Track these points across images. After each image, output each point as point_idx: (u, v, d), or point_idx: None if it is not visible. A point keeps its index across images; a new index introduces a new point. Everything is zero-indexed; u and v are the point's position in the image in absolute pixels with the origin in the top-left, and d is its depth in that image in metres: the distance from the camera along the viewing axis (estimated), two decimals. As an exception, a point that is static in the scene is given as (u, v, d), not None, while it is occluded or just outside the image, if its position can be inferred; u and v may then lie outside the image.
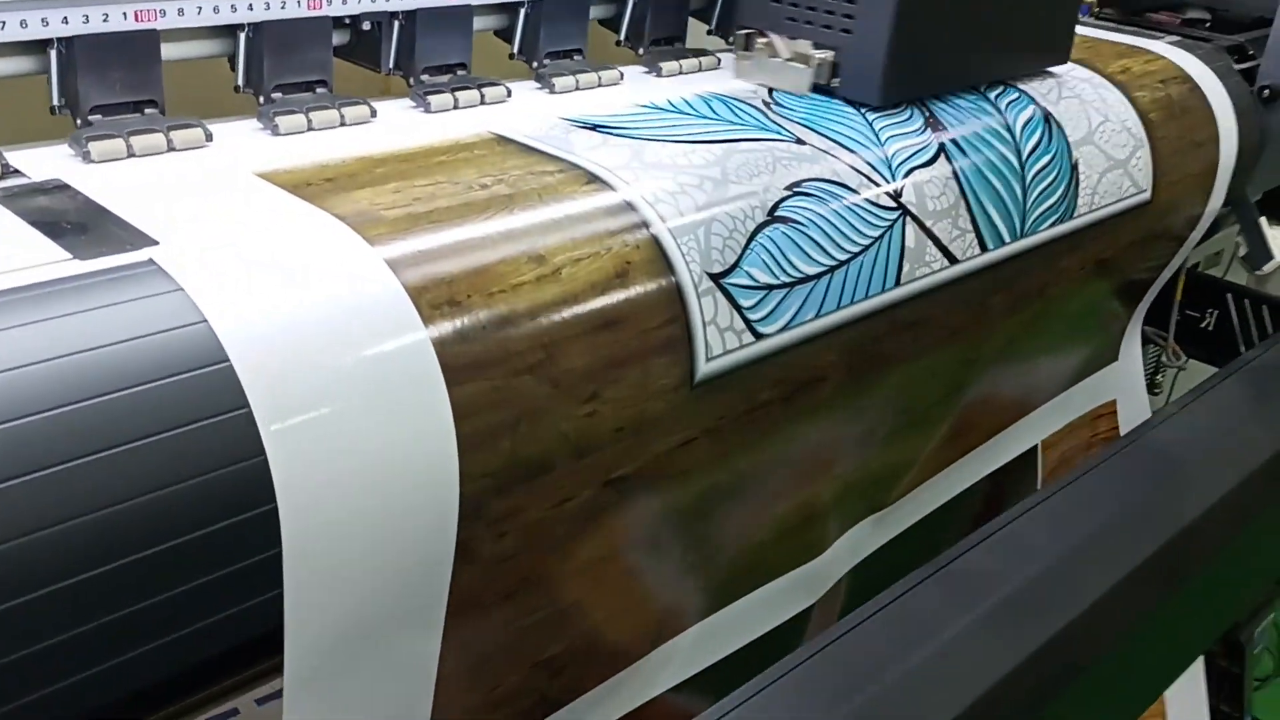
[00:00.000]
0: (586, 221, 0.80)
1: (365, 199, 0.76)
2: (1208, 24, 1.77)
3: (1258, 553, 1.32)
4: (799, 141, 0.98)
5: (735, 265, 0.86)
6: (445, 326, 0.69)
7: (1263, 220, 1.62)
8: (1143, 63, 1.40)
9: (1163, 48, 1.47)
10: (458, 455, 0.69)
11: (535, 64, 1.07)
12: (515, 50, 1.08)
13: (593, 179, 0.85)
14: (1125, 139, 1.27)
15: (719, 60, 1.19)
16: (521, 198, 0.80)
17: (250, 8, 0.85)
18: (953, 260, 1.05)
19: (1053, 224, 1.16)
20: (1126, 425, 1.61)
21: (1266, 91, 1.51)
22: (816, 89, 1.09)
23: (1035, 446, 1.48)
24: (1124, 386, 1.59)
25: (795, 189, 0.93)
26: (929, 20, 1.09)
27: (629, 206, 0.83)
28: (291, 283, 0.66)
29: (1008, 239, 1.11)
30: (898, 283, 0.99)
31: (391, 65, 0.98)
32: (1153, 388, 1.88)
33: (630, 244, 0.81)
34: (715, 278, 0.85)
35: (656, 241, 0.82)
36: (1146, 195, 1.30)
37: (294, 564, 0.63)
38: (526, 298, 0.74)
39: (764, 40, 1.12)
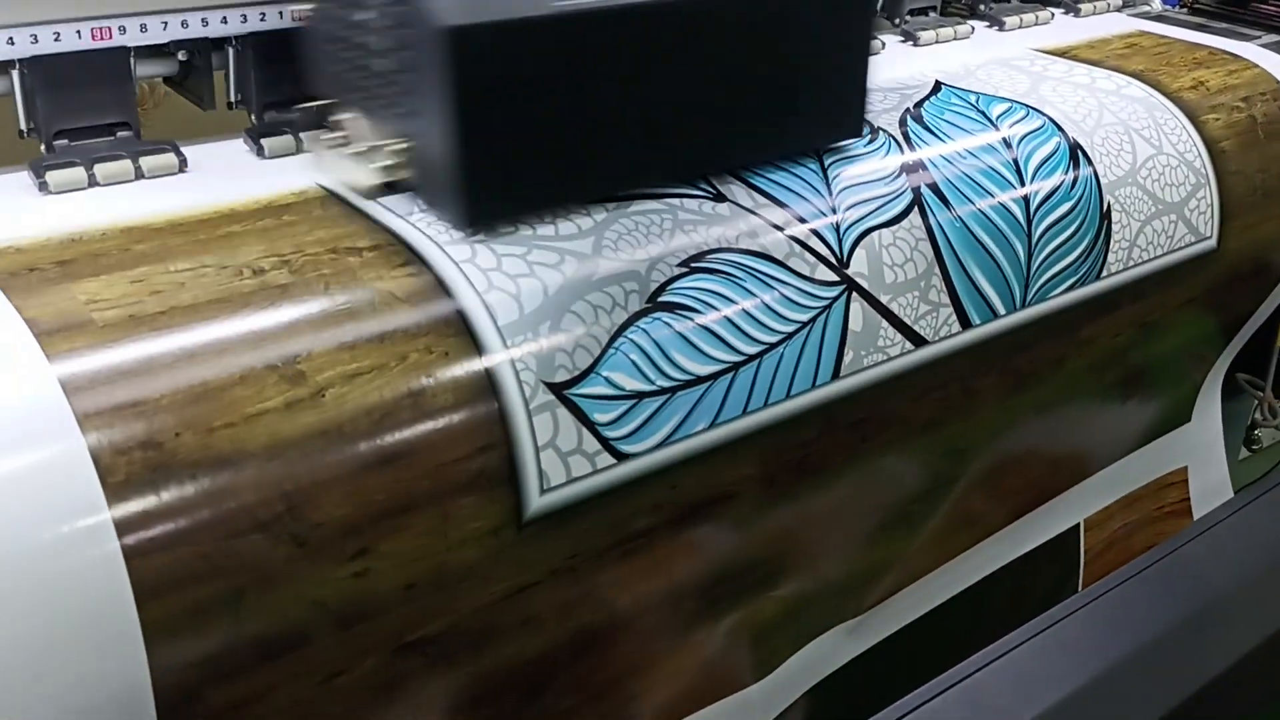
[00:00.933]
0: (379, 321, 0.63)
1: (87, 293, 0.61)
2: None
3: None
4: (718, 197, 0.79)
5: (589, 371, 0.68)
6: (132, 481, 0.54)
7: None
8: (1224, 74, 1.15)
9: (1256, 52, 1.21)
10: (144, 648, 0.54)
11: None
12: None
13: (412, 258, 0.68)
14: (1183, 176, 1.03)
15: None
16: (300, 289, 0.64)
17: (11, 41, 0.70)
18: (919, 342, 0.84)
19: (1069, 288, 0.94)
20: (1199, 496, 1.36)
21: None
22: (389, 189, 0.73)
23: (1077, 525, 1.25)
24: (1197, 452, 1.34)
25: (694, 264, 0.74)
26: (543, 93, 0.69)
27: (449, 301, 0.66)
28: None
29: (1001, 311, 0.89)
30: (835, 376, 0.79)
31: (235, 97, 0.82)
32: (1251, 443, 1.62)
33: (436, 352, 0.64)
34: (558, 389, 0.67)
35: (477, 347, 0.65)
36: (1211, 243, 1.06)
37: None
38: (264, 431, 0.58)
39: (346, 116, 0.75)
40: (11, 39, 0.71)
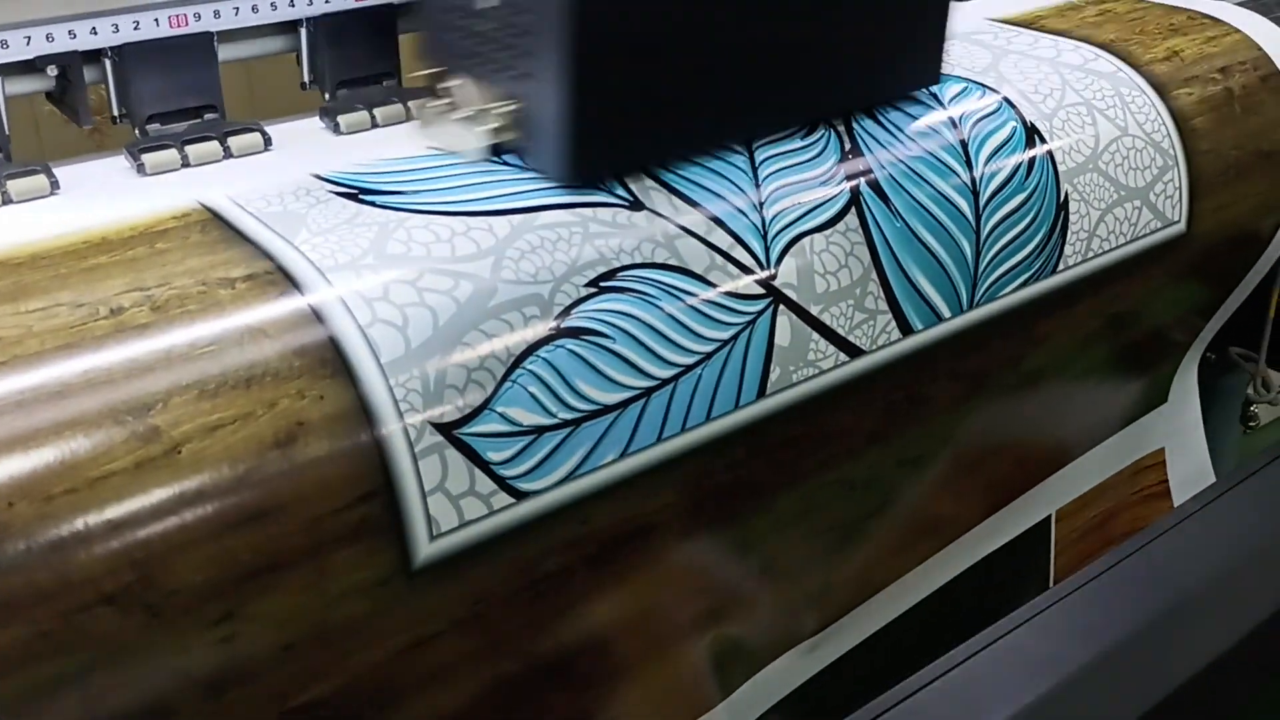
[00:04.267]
0: (247, 365, 0.59)
1: (-78, 343, 0.56)
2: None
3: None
4: (635, 205, 0.74)
5: (483, 408, 0.64)
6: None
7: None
8: (1201, 42, 1.09)
9: (1238, 14, 1.14)
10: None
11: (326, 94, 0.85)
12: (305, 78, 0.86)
13: (290, 289, 0.63)
14: (1149, 158, 0.97)
15: None
16: (160, 330, 0.59)
17: None
18: (855, 353, 0.79)
19: (1022, 285, 0.89)
20: (1178, 479, 1.32)
21: None
22: (497, 152, 0.76)
23: (1049, 518, 1.21)
24: (1175, 434, 1.29)
25: (603, 283, 0.70)
26: (642, 54, 0.72)
27: (326, 338, 0.61)
28: None
29: (947, 314, 0.84)
30: (761, 394, 0.75)
31: (117, 112, 0.77)
32: (1246, 421, 1.56)
33: (309, 395, 0.59)
34: (446, 428, 0.63)
35: (356, 390, 0.61)
36: (1181, 226, 1.00)
37: None
38: (111, 495, 0.54)
39: (453, 83, 0.77)
40: None
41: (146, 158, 0.74)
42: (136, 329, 0.59)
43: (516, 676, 0.73)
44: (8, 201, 0.69)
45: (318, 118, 0.84)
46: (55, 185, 0.71)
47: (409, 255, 0.67)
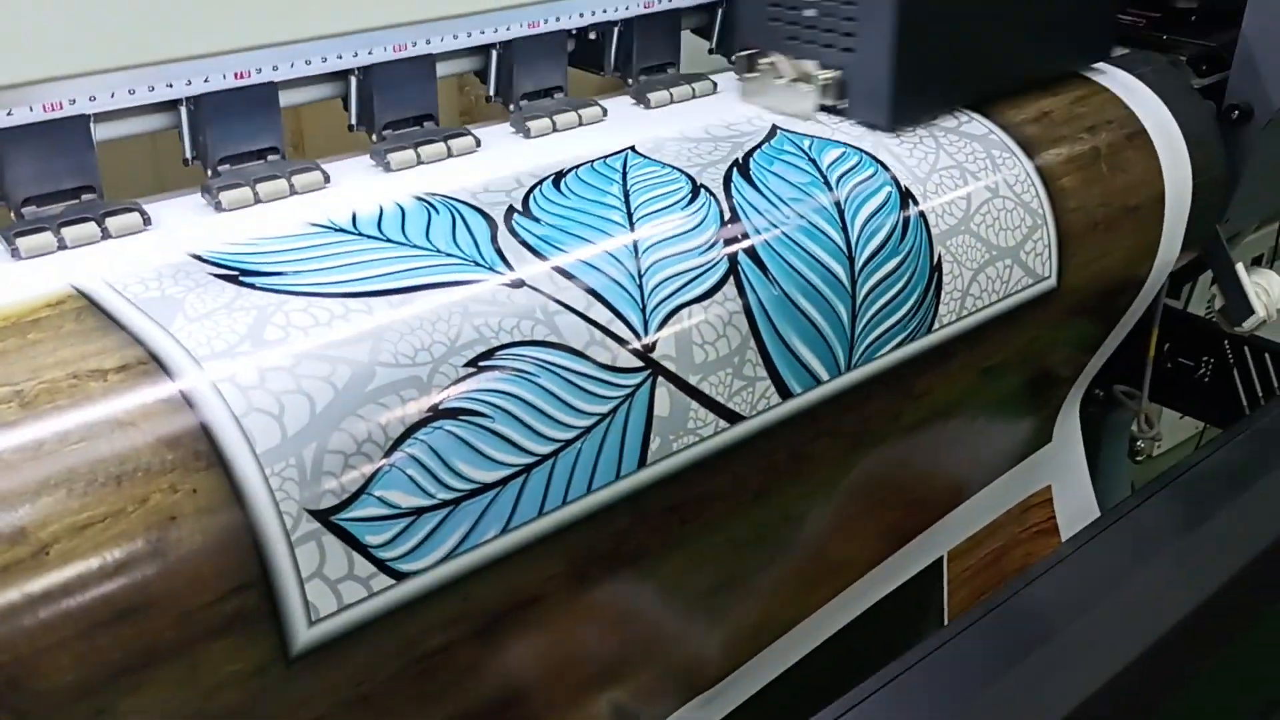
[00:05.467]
0: (120, 464, 0.59)
1: None
2: (1193, 16, 1.47)
3: None
4: (517, 283, 0.76)
5: (360, 493, 0.65)
6: None
7: (1240, 267, 1.34)
8: (1070, 102, 1.13)
9: (1102, 72, 1.19)
10: None
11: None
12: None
13: (164, 378, 0.63)
14: (1019, 218, 1.01)
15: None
16: (29, 428, 0.59)
17: None
18: (734, 419, 0.82)
19: (898, 345, 0.92)
20: (1065, 514, 1.37)
21: (1236, 112, 1.23)
22: (824, 110, 1.02)
23: (940, 560, 1.24)
24: (1060, 470, 1.35)
25: (482, 363, 0.71)
26: (938, 32, 1.00)
27: (201, 430, 0.62)
28: None
29: (825, 376, 0.87)
30: (641, 464, 0.77)
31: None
32: (1134, 455, 1.62)
33: (182, 489, 0.60)
34: (323, 515, 0.63)
35: (229, 476, 0.61)
36: (1051, 282, 1.04)
37: None
38: (-21, 603, 0.54)
39: (767, 61, 1.05)
40: None
41: (21, 242, 0.73)
42: (4, 426, 0.59)
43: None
44: None
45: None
46: None
47: (286, 340, 0.67)
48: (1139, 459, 1.58)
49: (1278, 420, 1.14)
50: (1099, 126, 1.12)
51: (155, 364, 0.64)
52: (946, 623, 1.27)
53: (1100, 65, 1.21)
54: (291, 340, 0.67)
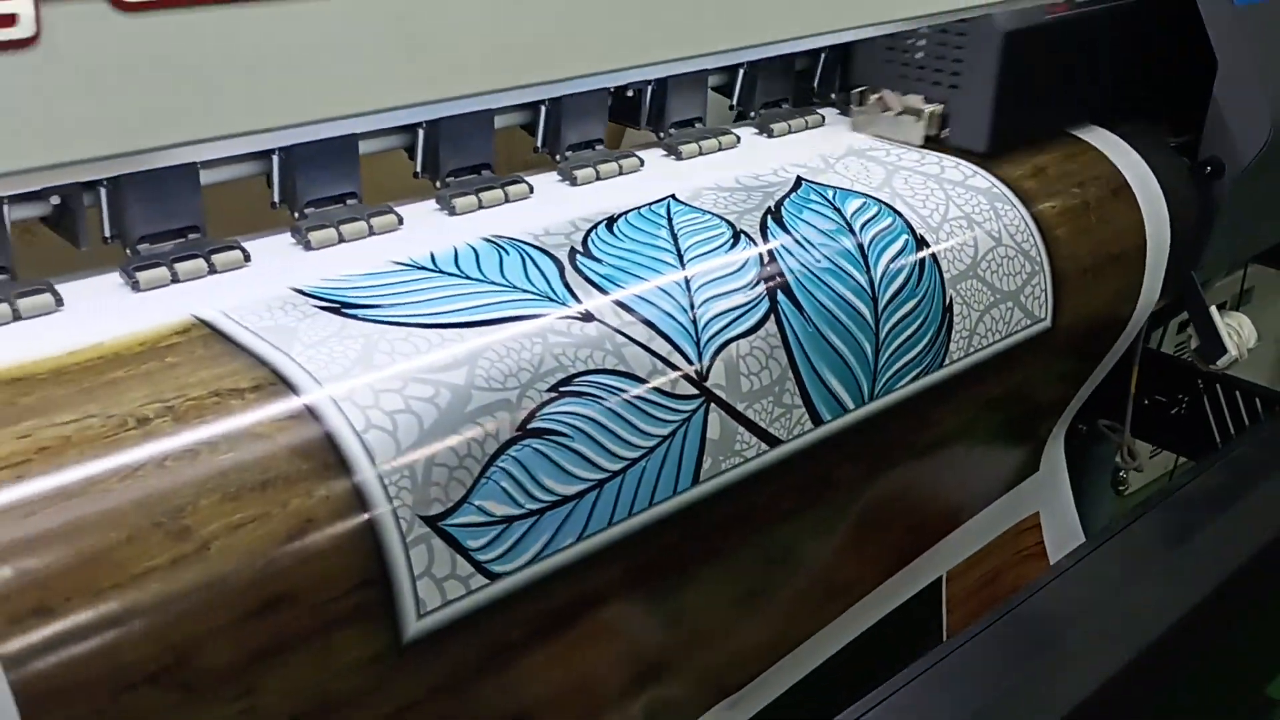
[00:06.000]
0: (264, 471, 0.68)
1: (-23, 454, 0.64)
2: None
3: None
4: (586, 316, 0.85)
5: (462, 502, 0.74)
6: (27, 648, 0.57)
7: (1214, 309, 1.46)
8: (1061, 159, 1.24)
9: (1090, 131, 1.30)
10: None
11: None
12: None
13: (293, 401, 0.72)
14: (1019, 265, 1.11)
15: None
16: (184, 439, 0.67)
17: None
18: (774, 443, 0.91)
19: (915, 378, 1.02)
20: (1052, 538, 1.47)
21: (1208, 167, 1.35)
22: (928, 140, 1.19)
23: (940, 580, 1.34)
24: (1045, 497, 1.45)
25: (562, 388, 0.80)
26: (1035, 71, 1.20)
27: (329, 442, 0.70)
28: None
29: (851, 405, 0.97)
30: (695, 482, 0.86)
31: (109, 233, 0.85)
32: (1117, 486, 1.73)
33: (316, 495, 0.68)
34: (432, 521, 0.72)
35: (356, 487, 0.70)
36: (1046, 323, 1.15)
37: None
38: (153, 589, 0.62)
39: (876, 96, 1.23)
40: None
41: (140, 275, 0.82)
42: (163, 438, 0.67)
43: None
44: (17, 318, 0.77)
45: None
46: (60, 302, 0.79)
47: (393, 365, 0.76)
48: (1121, 489, 1.69)
49: (1251, 449, 1.25)
50: (1087, 181, 1.23)
51: (283, 384, 0.73)
52: (945, 639, 1.36)
53: (1086, 125, 1.32)
54: (397, 365, 0.76)
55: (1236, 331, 1.41)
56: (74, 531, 0.61)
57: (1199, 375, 1.61)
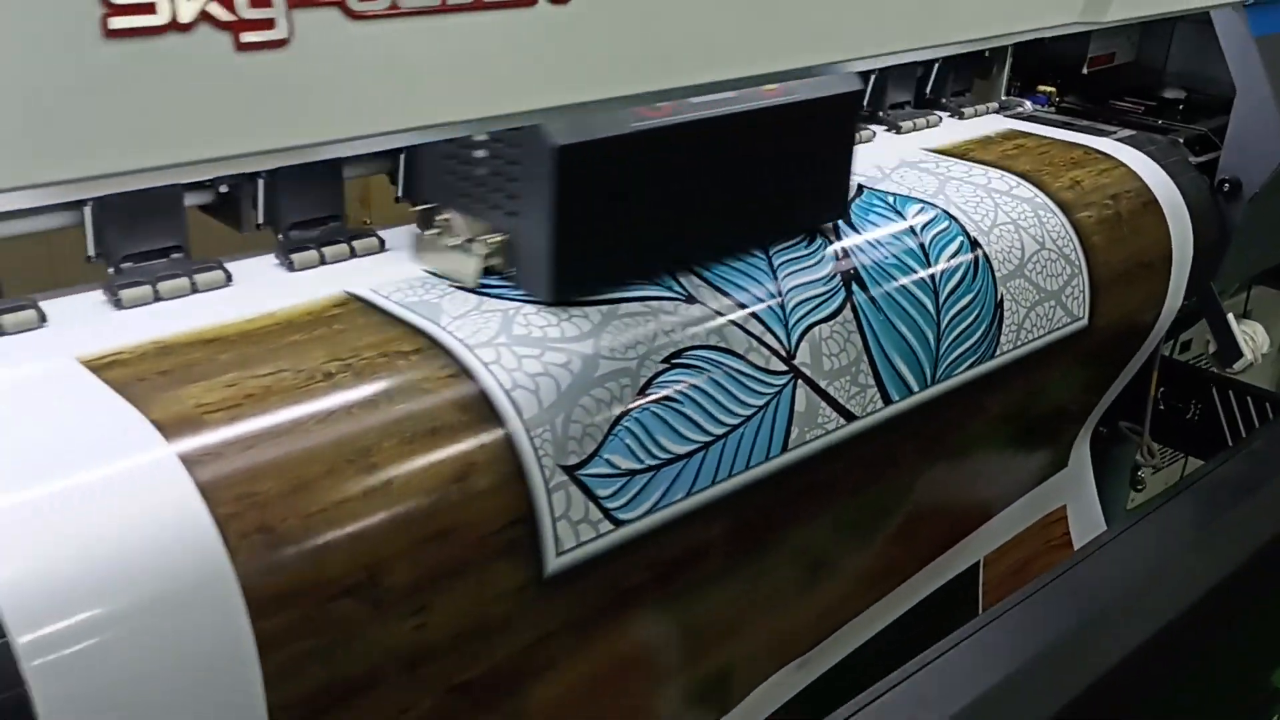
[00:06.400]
0: (432, 420, 0.78)
1: (194, 398, 0.73)
2: (1181, 105, 1.72)
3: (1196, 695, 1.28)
4: (689, 299, 0.95)
5: (594, 455, 0.83)
6: (253, 560, 0.67)
7: (1230, 316, 1.57)
8: (1096, 174, 1.36)
9: (1117, 148, 1.42)
10: (263, 690, 0.67)
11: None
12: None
13: (450, 362, 0.82)
14: (1061, 267, 1.22)
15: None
16: (366, 392, 0.77)
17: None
18: (850, 418, 1.01)
19: (970, 366, 1.12)
20: (1078, 528, 1.57)
21: (1227, 185, 1.46)
22: (489, 277, 0.92)
23: (977, 564, 1.44)
24: (1072, 492, 1.55)
25: (674, 360, 0.90)
26: (613, 195, 0.90)
27: (483, 398, 0.80)
28: (82, 520, 0.64)
29: (916, 388, 1.07)
30: (785, 449, 0.96)
31: (262, 220, 0.95)
32: (1135, 485, 1.84)
33: (477, 444, 0.78)
34: (570, 470, 0.82)
35: (508, 439, 0.80)
36: (1084, 322, 1.26)
37: None
38: (350, 516, 0.72)
39: (444, 218, 0.95)
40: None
41: (295, 257, 0.92)
42: (347, 389, 0.77)
43: (600, 669, 0.91)
44: (195, 290, 0.87)
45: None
46: (229, 278, 0.89)
47: (530, 336, 0.86)
48: (1139, 489, 1.79)
49: (1264, 445, 1.35)
50: (1120, 195, 1.34)
51: (439, 348, 0.83)
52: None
53: (1110, 142, 1.43)
54: (533, 336, 0.86)
55: (1251, 338, 1.52)
56: (285, 464, 0.71)
57: (1212, 382, 1.72)
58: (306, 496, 0.71)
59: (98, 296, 0.85)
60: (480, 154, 0.91)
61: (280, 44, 0.59)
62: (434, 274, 0.92)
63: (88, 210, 0.86)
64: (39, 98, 0.50)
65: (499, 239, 0.91)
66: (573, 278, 0.89)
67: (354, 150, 0.91)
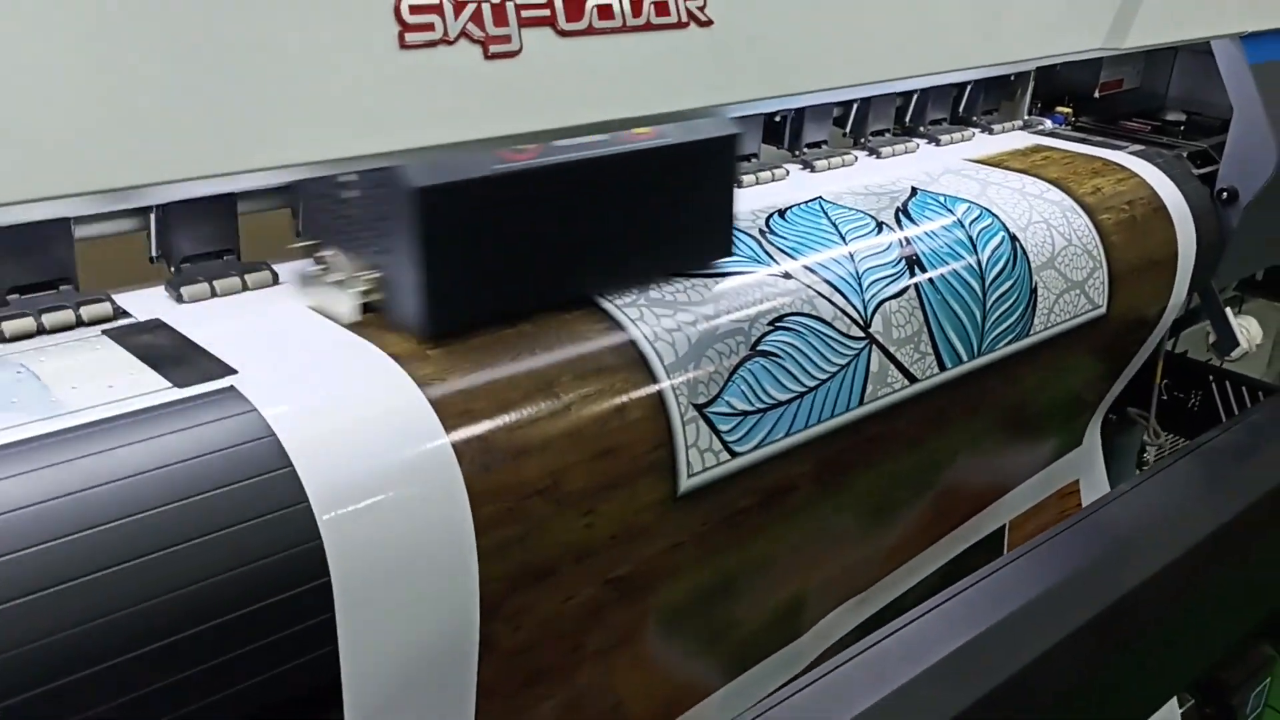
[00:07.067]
0: (597, 362, 0.96)
1: (413, 340, 0.91)
2: (1182, 126, 1.92)
3: (1199, 621, 1.46)
4: (785, 275, 1.13)
5: (718, 396, 1.02)
6: (473, 461, 0.85)
7: (1229, 310, 1.76)
8: (1114, 182, 1.55)
9: (1131, 160, 1.61)
10: (477, 563, 0.85)
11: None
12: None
13: (605, 318, 1.00)
14: (1085, 261, 1.41)
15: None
16: (544, 339, 0.96)
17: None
18: (912, 380, 1.20)
19: (1009, 342, 1.31)
20: (1089, 500, 1.76)
21: (1225, 194, 1.65)
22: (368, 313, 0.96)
23: (1004, 525, 1.62)
24: (1085, 467, 1.74)
25: (776, 324, 1.09)
26: (476, 242, 0.93)
27: (634, 346, 0.99)
28: (348, 409, 0.82)
29: (965, 358, 1.26)
30: (861, 403, 1.14)
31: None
32: (1140, 465, 2.03)
33: (631, 382, 0.97)
34: (700, 408, 1.00)
35: (653, 378, 0.98)
36: (1103, 310, 1.44)
37: (346, 628, 0.78)
38: (541, 433, 0.90)
39: (326, 254, 0.98)
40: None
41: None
42: (529, 337, 0.95)
43: (712, 581, 1.09)
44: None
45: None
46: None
47: (664, 300, 1.04)
48: (1144, 468, 1.99)
49: (1258, 418, 1.54)
50: (1135, 201, 1.53)
51: (595, 307, 1.01)
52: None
53: (1127, 156, 1.63)
54: (668, 299, 1.04)
55: (1246, 330, 1.71)
56: (494, 389, 0.89)
57: (1211, 373, 1.91)
58: (509, 417, 0.89)
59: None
60: (352, 194, 0.95)
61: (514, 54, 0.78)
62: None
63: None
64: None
65: (376, 276, 0.94)
66: (445, 314, 0.92)
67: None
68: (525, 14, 0.80)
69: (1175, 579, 1.28)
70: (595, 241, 1.01)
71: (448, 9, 0.76)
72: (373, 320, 0.94)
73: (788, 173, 1.41)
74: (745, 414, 1.04)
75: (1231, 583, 1.41)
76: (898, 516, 1.34)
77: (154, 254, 0.98)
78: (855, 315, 1.15)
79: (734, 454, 1.03)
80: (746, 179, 1.36)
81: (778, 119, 1.47)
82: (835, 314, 1.13)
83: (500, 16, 0.79)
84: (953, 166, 1.49)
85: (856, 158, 1.50)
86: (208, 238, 0.99)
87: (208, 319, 0.93)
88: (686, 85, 0.94)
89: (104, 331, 0.91)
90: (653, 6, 0.88)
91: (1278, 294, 2.40)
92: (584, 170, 0.97)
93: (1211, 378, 1.89)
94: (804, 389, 1.09)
